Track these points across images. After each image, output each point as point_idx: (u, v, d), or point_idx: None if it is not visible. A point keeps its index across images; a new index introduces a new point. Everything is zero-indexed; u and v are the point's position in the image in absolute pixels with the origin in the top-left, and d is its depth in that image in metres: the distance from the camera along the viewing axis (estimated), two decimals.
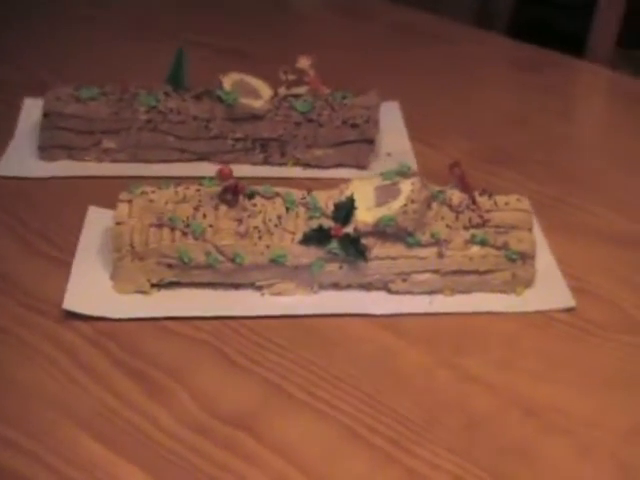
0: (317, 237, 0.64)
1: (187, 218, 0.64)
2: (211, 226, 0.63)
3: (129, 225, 0.64)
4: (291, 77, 0.82)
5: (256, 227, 0.64)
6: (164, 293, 0.65)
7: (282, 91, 0.82)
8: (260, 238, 0.64)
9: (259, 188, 0.66)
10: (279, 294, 0.65)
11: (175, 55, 0.82)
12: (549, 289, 0.68)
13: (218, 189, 0.65)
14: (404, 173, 0.66)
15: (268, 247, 0.64)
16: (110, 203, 0.72)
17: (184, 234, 0.64)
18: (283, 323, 0.63)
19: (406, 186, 0.65)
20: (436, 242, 0.65)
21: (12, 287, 0.66)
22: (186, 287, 0.65)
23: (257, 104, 0.80)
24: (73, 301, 0.62)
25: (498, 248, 0.66)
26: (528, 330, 0.65)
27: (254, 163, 0.82)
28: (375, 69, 1.05)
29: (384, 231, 0.64)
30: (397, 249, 0.65)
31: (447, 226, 0.65)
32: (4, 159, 0.81)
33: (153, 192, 0.65)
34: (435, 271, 0.65)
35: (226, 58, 1.04)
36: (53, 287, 0.65)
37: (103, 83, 0.82)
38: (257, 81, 0.82)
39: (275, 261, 0.64)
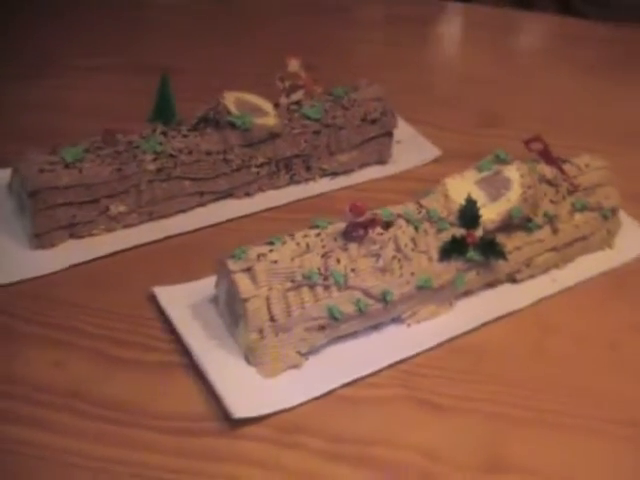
0: (456, 249, 0.59)
1: (319, 269, 0.56)
2: (353, 270, 0.56)
3: (261, 297, 0.54)
4: (288, 83, 0.74)
5: (394, 257, 0.58)
6: (314, 360, 0.57)
7: (284, 101, 0.74)
8: (401, 267, 0.58)
9: (382, 213, 0.59)
10: (424, 320, 0.60)
11: (160, 84, 0.69)
12: (628, 232, 0.70)
13: (338, 227, 0.58)
14: (501, 160, 0.64)
15: (413, 274, 0.58)
16: (158, 277, 0.62)
17: (326, 288, 0.56)
18: (446, 349, 0.59)
19: (513, 173, 0.62)
20: (549, 220, 0.64)
21: (138, 416, 0.53)
22: (326, 345, 0.58)
23: (271, 122, 0.71)
24: (240, 405, 0.52)
25: (593, 209, 0.66)
26: None
27: (278, 187, 0.73)
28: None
29: (508, 224, 0.62)
30: (520, 238, 0.63)
31: (551, 202, 0.64)
32: (4, 262, 0.63)
33: (271, 251, 0.56)
34: (552, 249, 0.65)
35: (147, 77, 0.90)
36: (182, 398, 0.54)
37: (75, 139, 0.68)
38: (252, 96, 0.73)
39: (421, 287, 0.58)
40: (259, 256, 0.56)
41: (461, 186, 0.63)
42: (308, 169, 0.74)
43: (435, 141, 0.80)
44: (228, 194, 0.71)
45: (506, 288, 0.64)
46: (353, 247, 0.57)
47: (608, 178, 0.68)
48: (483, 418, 0.54)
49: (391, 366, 0.57)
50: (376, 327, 0.59)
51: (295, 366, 0.56)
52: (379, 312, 0.58)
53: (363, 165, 0.77)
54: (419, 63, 0.99)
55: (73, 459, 0.50)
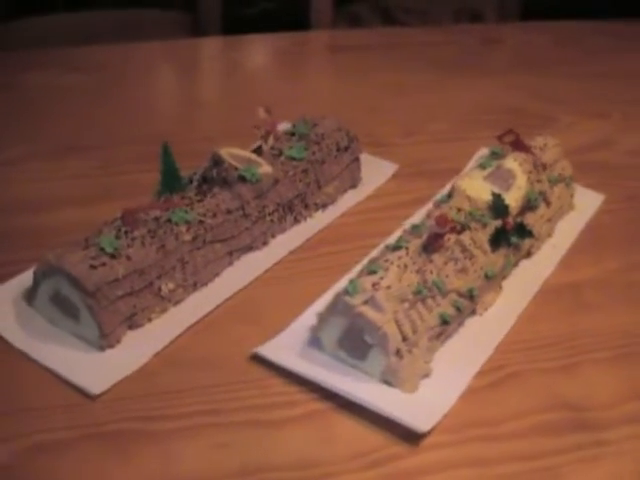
0: (502, 237, 0.67)
1: (418, 283, 0.60)
2: (447, 276, 0.61)
3: (391, 322, 0.58)
4: (263, 130, 0.76)
5: (464, 257, 0.64)
6: (433, 365, 0.61)
7: (265, 147, 0.76)
8: (473, 265, 0.64)
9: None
10: (489, 306, 0.67)
11: (162, 154, 0.68)
12: (578, 195, 0.83)
13: (416, 243, 0.63)
14: (497, 155, 0.73)
15: (482, 268, 0.65)
16: (237, 340, 0.63)
17: (432, 298, 0.60)
18: (519, 324, 0.66)
19: (513, 164, 0.72)
20: (543, 197, 0.74)
21: (329, 466, 0.53)
22: None
23: (269, 169, 0.73)
24: (420, 421, 0.55)
25: (560, 181, 0.78)
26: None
27: (285, 229, 0.75)
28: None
29: (524, 207, 0.71)
30: (530, 217, 0.72)
31: (538, 181, 0.75)
32: (84, 371, 0.58)
33: (381, 278, 0.59)
34: (548, 220, 0.75)
35: (62, 159, 0.86)
36: (352, 436, 0.56)
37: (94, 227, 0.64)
38: (237, 149, 0.74)
39: (488, 278, 0.65)
40: (374, 285, 0.59)
41: (474, 185, 0.71)
42: (306, 207, 0.77)
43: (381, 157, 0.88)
44: (250, 248, 0.72)
45: (526, 264, 0.73)
46: (436, 257, 0.63)
47: (561, 153, 0.80)
48: (587, 363, 0.63)
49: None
50: (459, 324, 0.65)
51: (426, 375, 0.60)
52: (468, 308, 0.64)
53: (342, 192, 0.82)
54: (303, 93, 1.05)
55: None
